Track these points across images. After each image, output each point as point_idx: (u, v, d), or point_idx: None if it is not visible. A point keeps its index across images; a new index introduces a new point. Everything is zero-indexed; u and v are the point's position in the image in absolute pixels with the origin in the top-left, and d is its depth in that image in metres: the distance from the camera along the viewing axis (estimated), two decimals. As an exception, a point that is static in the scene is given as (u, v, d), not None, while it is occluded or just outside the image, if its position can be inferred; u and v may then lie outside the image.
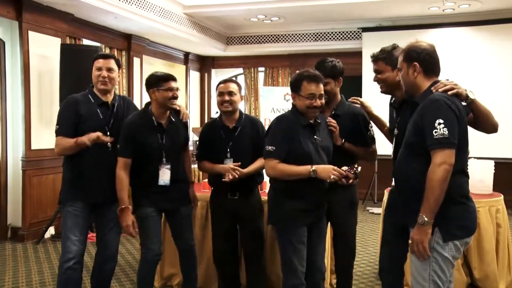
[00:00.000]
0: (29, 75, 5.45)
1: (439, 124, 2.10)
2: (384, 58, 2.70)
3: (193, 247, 3.32)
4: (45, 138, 5.68)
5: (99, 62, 3.10)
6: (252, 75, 9.71)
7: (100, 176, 3.05)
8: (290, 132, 2.72)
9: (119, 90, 7.30)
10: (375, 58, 2.76)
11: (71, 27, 6.09)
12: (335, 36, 8.59)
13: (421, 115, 2.19)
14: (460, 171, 2.21)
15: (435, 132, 2.10)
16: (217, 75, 10.41)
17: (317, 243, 2.87)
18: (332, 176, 2.60)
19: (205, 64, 9.99)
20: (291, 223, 2.76)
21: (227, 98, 3.15)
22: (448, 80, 2.29)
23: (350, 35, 8.49)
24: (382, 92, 2.78)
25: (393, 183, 4.25)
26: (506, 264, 3.68)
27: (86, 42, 6.52)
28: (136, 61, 7.66)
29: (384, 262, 2.63)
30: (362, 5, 7.01)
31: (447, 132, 2.09)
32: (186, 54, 9.33)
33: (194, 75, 9.88)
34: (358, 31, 8.30)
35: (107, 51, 7.02)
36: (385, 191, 4.51)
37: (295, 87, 2.76)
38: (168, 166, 3.11)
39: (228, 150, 3.16)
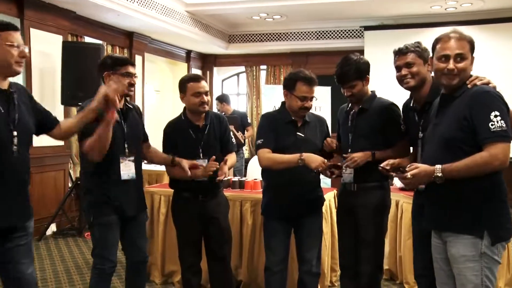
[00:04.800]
0: (30, 72, 5.45)
1: (496, 116, 1.95)
2: (417, 51, 2.59)
3: (147, 260, 3.05)
4: (47, 135, 5.68)
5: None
6: (254, 73, 9.70)
7: (4, 192, 2.24)
8: (273, 126, 2.90)
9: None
10: (407, 50, 2.59)
11: (73, 25, 6.10)
12: (337, 35, 8.58)
13: (471, 107, 2.02)
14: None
15: (492, 124, 1.95)
16: (219, 73, 10.41)
17: (304, 238, 2.95)
18: (319, 168, 2.68)
19: (207, 62, 9.98)
20: (265, 215, 3.02)
21: (205, 99, 2.99)
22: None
23: (352, 34, 8.48)
24: (410, 87, 2.60)
25: (394, 182, 4.31)
26: (505, 262, 3.69)
27: (88, 39, 6.53)
28: (138, 59, 7.65)
29: (419, 269, 2.64)
30: (365, 4, 7.00)
31: (504, 124, 1.95)
32: (188, 52, 9.33)
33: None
34: (360, 30, 8.28)
35: (109, 48, 7.04)
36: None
37: (289, 86, 2.87)
38: (132, 158, 2.81)
39: (201, 150, 3.01)
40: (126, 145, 2.80)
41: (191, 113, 3.07)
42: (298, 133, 2.90)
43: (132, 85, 2.82)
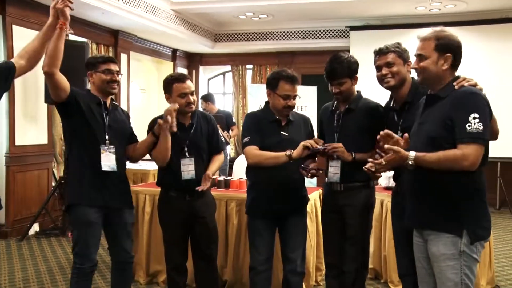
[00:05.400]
0: (13, 70, 5.36)
1: (474, 118, 1.99)
2: (397, 51, 2.63)
3: (132, 260, 3.01)
4: (30, 134, 5.62)
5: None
6: (240, 73, 9.69)
7: None
8: (257, 125, 2.93)
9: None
10: (387, 50, 2.64)
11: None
12: (323, 34, 8.61)
13: (454, 107, 2.06)
14: (483, 170, 2.14)
15: (469, 126, 1.99)
16: (205, 72, 10.38)
17: (289, 238, 2.95)
18: (303, 144, 2.70)
19: (193, 61, 9.94)
20: (249, 214, 3.03)
21: (191, 99, 2.99)
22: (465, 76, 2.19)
23: (338, 34, 8.52)
24: (390, 86, 2.65)
25: (379, 182, 4.34)
26: (487, 261, 3.74)
27: (72, 37, 6.45)
28: (123, 57, 7.59)
29: (402, 268, 2.67)
30: (350, 4, 7.04)
31: (482, 127, 1.99)
32: (174, 51, 9.28)
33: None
34: (346, 30, 8.34)
35: (94, 47, 6.96)
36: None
37: (272, 85, 2.89)
38: (113, 150, 2.81)
39: (186, 149, 3.00)
40: (107, 136, 2.82)
41: (178, 113, 3.03)
42: (282, 132, 2.91)
43: (114, 81, 2.84)
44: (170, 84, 2.99)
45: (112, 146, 2.83)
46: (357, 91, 2.97)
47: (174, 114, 2.84)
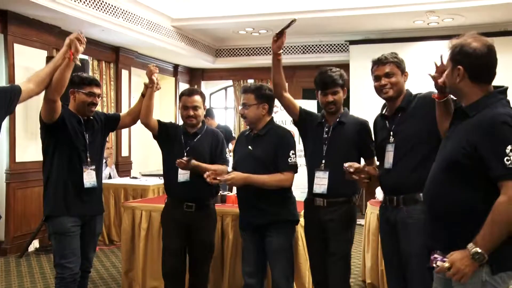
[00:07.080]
0: (14, 87, 5.42)
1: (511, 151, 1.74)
2: (396, 62, 2.62)
3: (90, 270, 3.11)
4: (30, 150, 5.65)
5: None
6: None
7: None
8: (236, 145, 3.21)
9: (107, 103, 7.30)
10: (386, 61, 2.61)
11: (58, 40, 6.08)
12: (323, 49, 8.67)
13: (481, 136, 1.82)
14: None
15: (507, 160, 1.74)
16: (207, 87, 10.44)
17: (269, 257, 2.96)
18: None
19: (195, 76, 10.02)
20: (239, 226, 3.16)
21: (192, 113, 3.19)
22: None
23: (338, 48, 8.57)
24: (389, 97, 2.63)
25: (376, 196, 4.33)
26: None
27: (73, 54, 6.52)
28: (124, 73, 7.67)
29: (392, 283, 2.65)
30: (349, 19, 7.08)
31: None
32: (176, 66, 9.36)
33: (184, 88, 9.88)
34: (345, 44, 8.38)
35: (95, 63, 7.04)
36: (367, 203, 4.52)
37: None
38: (93, 167, 2.97)
39: (185, 153, 3.16)
40: (88, 155, 2.96)
41: (184, 124, 3.29)
42: (249, 146, 3.00)
43: (93, 104, 2.98)
44: (181, 96, 3.28)
45: (93, 164, 2.96)
46: (344, 108, 2.99)
47: (155, 72, 3.12)
